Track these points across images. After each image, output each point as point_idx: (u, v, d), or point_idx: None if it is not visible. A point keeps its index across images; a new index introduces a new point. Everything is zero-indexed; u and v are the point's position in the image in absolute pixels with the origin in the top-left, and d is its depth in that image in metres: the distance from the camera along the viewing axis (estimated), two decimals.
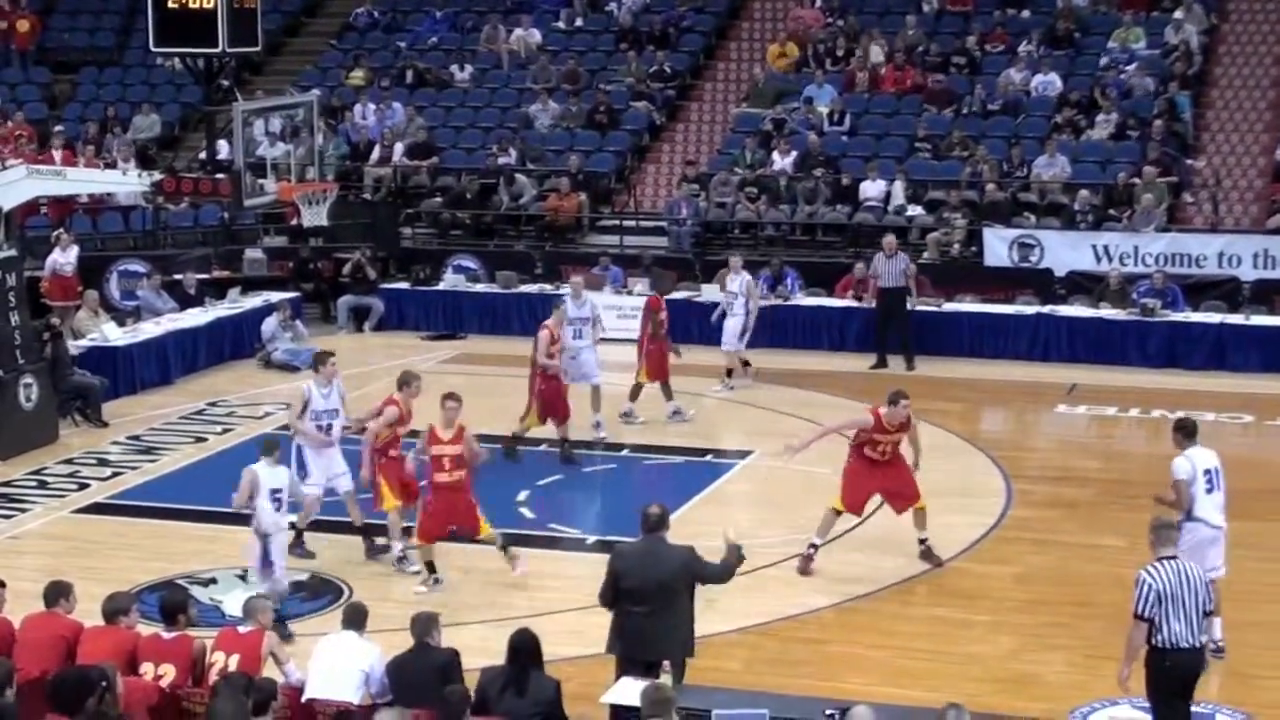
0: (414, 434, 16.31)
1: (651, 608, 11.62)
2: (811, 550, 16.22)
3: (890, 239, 25.30)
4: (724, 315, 23.77)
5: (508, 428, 20.52)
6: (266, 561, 14.56)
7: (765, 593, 15.49)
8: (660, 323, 21.77)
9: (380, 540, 16.54)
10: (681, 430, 21.51)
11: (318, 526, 16.90)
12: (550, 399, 19.97)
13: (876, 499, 16.48)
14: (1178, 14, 31.52)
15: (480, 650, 11.99)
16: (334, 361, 17.04)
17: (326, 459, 16.64)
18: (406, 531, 16.21)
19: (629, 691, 10.92)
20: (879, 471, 16.15)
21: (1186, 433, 14.07)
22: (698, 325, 26.05)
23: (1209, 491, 13.77)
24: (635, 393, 21.74)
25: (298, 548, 16.31)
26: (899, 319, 24.86)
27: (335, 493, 16.65)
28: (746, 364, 23.94)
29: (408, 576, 15.94)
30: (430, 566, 15.78)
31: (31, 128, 32.08)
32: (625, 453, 20.46)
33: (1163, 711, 11.47)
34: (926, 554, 16.17)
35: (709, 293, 26.17)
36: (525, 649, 10.98)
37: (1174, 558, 11.44)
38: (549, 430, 20.20)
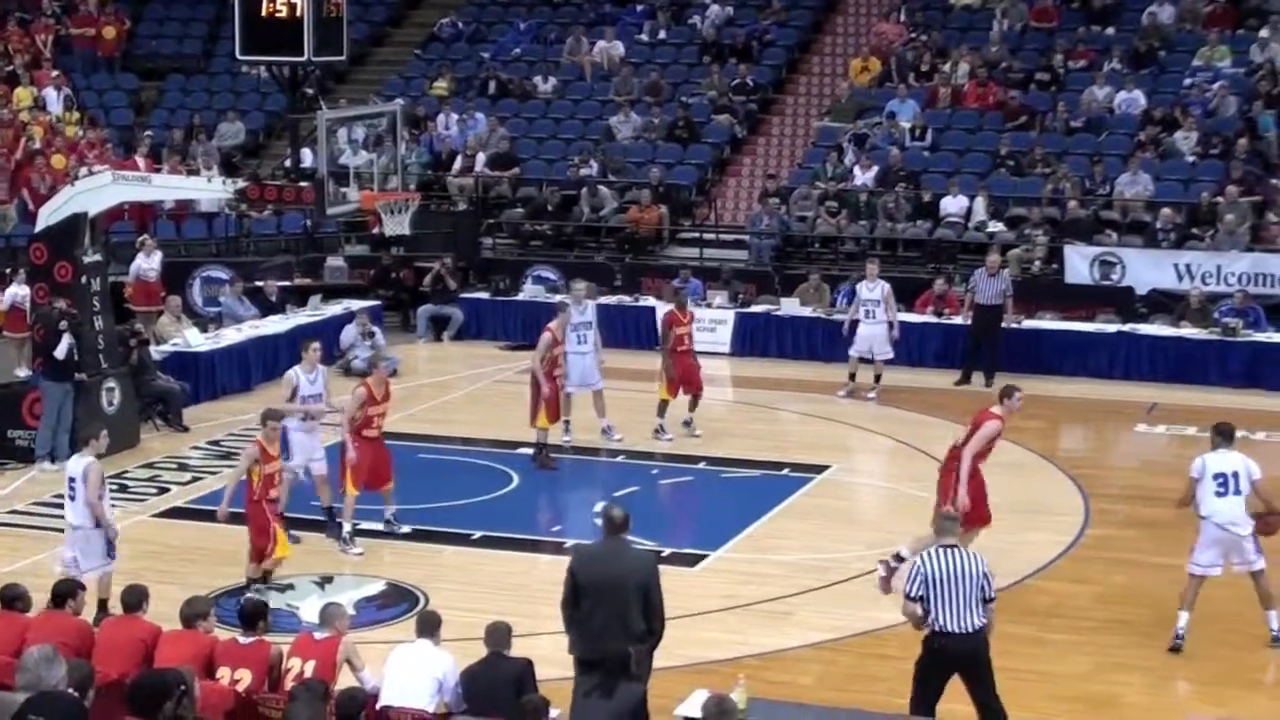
0: None
1: (611, 605, 11.37)
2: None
3: (994, 258, 25.18)
4: (854, 325, 23.76)
5: (592, 439, 20.62)
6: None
7: (840, 608, 15.45)
8: (678, 337, 21.46)
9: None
10: (759, 444, 21.45)
11: (388, 536, 17.41)
12: (553, 399, 20.10)
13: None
14: (1263, 32, 31.20)
15: (552, 661, 12.00)
16: (316, 348, 17.95)
17: (309, 442, 17.45)
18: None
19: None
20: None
21: (1224, 436, 14.50)
22: (775, 338, 26.13)
23: (1220, 495, 14.12)
24: (662, 409, 21.45)
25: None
26: (992, 337, 24.68)
27: (310, 473, 17.41)
28: (878, 378, 23.84)
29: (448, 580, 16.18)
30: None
31: (107, 133, 32.42)
32: (702, 465, 20.43)
33: (917, 689, 11.80)
34: None
35: (788, 306, 26.18)
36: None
37: (954, 547, 11.74)
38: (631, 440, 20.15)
